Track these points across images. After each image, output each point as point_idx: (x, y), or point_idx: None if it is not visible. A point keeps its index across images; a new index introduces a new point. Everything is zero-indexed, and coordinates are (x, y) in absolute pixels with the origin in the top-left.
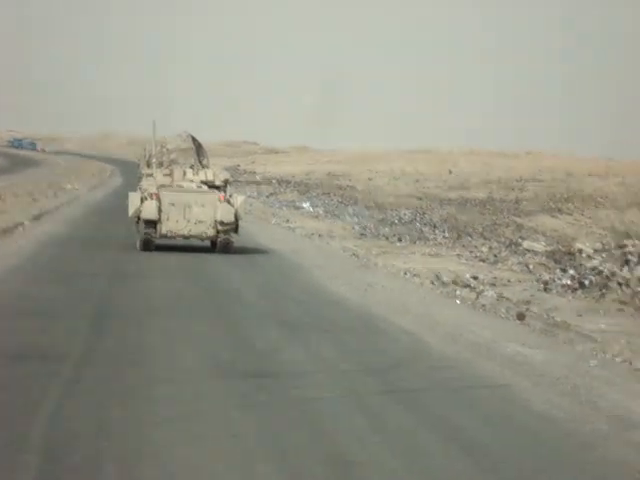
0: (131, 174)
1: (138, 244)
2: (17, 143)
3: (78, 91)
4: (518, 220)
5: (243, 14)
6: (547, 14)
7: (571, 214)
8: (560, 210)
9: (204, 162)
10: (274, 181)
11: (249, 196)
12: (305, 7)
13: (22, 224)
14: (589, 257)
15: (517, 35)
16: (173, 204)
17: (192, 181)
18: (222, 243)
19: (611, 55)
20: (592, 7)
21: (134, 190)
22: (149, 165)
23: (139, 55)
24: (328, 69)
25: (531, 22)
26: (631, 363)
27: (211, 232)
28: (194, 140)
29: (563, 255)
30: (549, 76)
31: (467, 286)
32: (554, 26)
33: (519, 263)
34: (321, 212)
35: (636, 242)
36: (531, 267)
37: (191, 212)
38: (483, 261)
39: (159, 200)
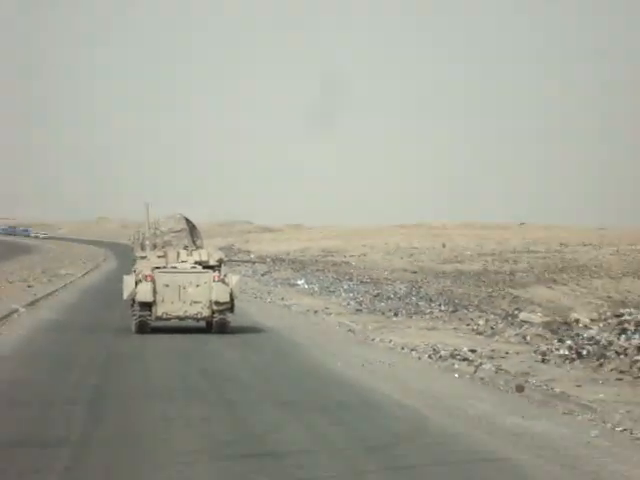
0: (125, 257)
1: (133, 327)
2: (10, 230)
3: (71, 177)
4: (514, 292)
5: (238, 93)
6: (539, 88)
7: (566, 284)
8: (555, 281)
9: (198, 243)
10: (269, 259)
11: (244, 275)
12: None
13: (17, 311)
14: (586, 327)
15: (505, 109)
16: (168, 285)
17: (186, 262)
18: (218, 323)
19: (601, 126)
20: (571, 84)
21: (128, 273)
22: (143, 248)
23: (130, 138)
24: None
25: (520, 95)
26: (632, 432)
27: (206, 312)
28: (187, 221)
29: (560, 325)
30: (540, 148)
31: (465, 359)
32: (544, 98)
33: (516, 335)
34: (316, 289)
35: (632, 311)
36: (528, 338)
37: (186, 293)
38: (480, 334)
39: (154, 282)
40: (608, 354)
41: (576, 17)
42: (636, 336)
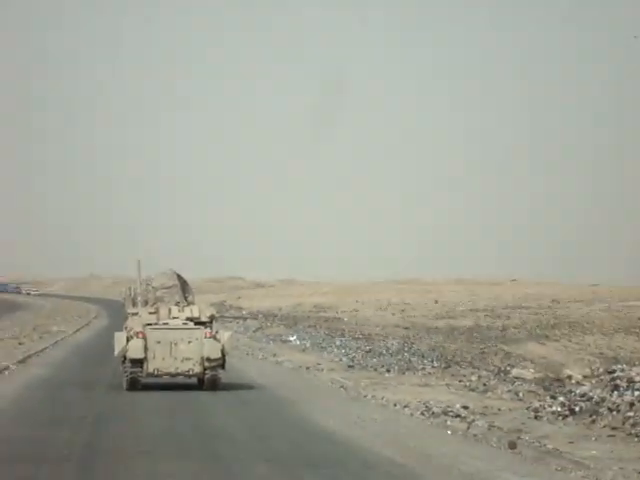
0: (116, 314)
1: (125, 384)
2: (1, 287)
3: (61, 235)
4: (506, 348)
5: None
6: (530, 134)
7: (558, 340)
8: (547, 337)
9: (189, 299)
10: (261, 315)
11: (236, 331)
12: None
13: (7, 368)
14: (578, 383)
15: (500, 161)
16: (159, 342)
17: (178, 318)
18: (209, 380)
19: (595, 184)
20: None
21: (119, 330)
22: (135, 304)
23: (119, 194)
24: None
25: (512, 145)
26: None
27: (198, 369)
28: (179, 277)
29: (552, 382)
30: (533, 204)
31: (458, 416)
32: (540, 153)
33: (509, 391)
34: (308, 345)
35: (624, 367)
36: (521, 395)
37: (177, 349)
38: (473, 390)
39: (145, 339)
40: (601, 410)
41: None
42: (628, 392)
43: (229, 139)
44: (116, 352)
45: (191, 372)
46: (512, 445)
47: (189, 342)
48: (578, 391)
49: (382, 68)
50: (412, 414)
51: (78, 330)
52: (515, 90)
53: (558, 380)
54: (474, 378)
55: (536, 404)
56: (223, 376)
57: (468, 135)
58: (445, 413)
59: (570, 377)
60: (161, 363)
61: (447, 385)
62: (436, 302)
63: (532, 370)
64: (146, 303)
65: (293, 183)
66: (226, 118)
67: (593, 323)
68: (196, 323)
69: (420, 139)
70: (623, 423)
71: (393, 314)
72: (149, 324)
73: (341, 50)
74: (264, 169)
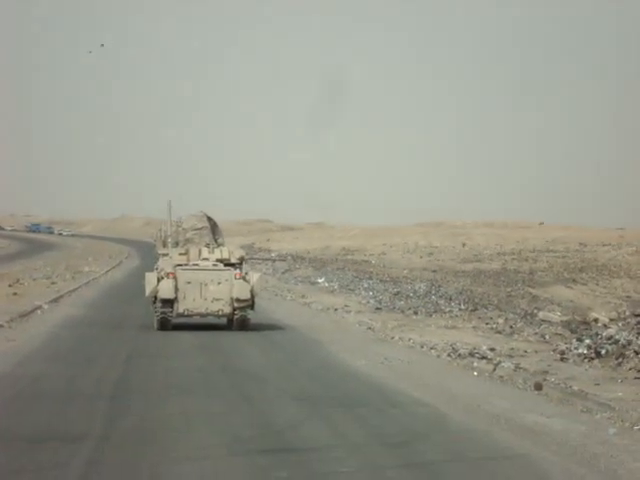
0: (147, 255)
1: (155, 324)
2: (34, 228)
3: (94, 174)
4: (533, 291)
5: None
6: (556, 84)
7: (586, 284)
8: (575, 280)
9: (219, 240)
10: (289, 258)
11: (264, 273)
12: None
13: (41, 307)
14: (605, 326)
15: (529, 109)
16: (189, 283)
17: (208, 259)
18: (239, 320)
19: (622, 125)
20: (588, 79)
21: (150, 271)
22: (165, 245)
23: (152, 135)
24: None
25: (544, 88)
26: None
27: (227, 309)
28: (209, 219)
29: (579, 325)
30: (561, 146)
31: (484, 358)
32: (561, 94)
33: (535, 334)
34: (336, 287)
35: None
36: (547, 337)
37: (207, 290)
38: (499, 333)
39: (175, 279)
40: (627, 353)
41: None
42: None
43: (258, 89)
44: (147, 292)
45: (221, 312)
46: (538, 386)
47: (219, 283)
48: (604, 334)
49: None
50: (439, 355)
51: (109, 270)
52: None
53: (585, 323)
54: (501, 321)
55: (562, 346)
56: (252, 317)
57: (499, 78)
58: (471, 355)
59: (597, 320)
60: (191, 303)
61: (474, 327)
62: (464, 245)
63: (559, 313)
64: (177, 244)
65: (323, 128)
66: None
67: (620, 266)
68: (226, 264)
69: (450, 80)
70: None
71: (421, 257)
72: (179, 265)
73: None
74: (295, 117)
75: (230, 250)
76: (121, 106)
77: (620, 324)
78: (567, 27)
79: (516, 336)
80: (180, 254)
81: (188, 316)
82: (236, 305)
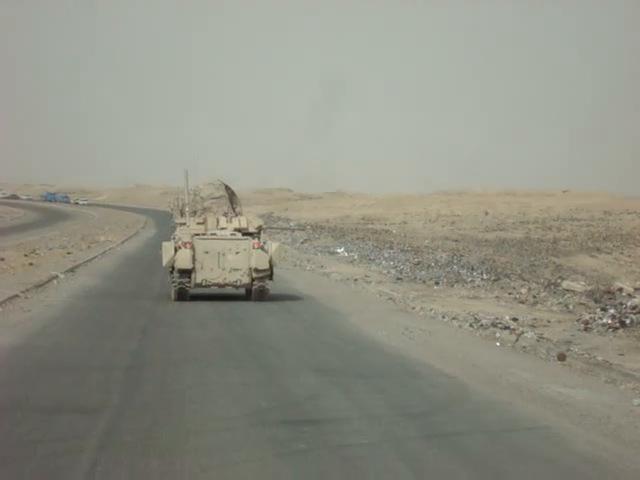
0: (164, 225)
1: (172, 294)
2: (50, 197)
3: (110, 144)
4: (556, 260)
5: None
6: (582, 55)
7: (610, 253)
8: (599, 249)
9: (237, 209)
10: (308, 227)
11: (283, 242)
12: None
13: (57, 277)
14: (630, 296)
15: (549, 77)
16: (207, 252)
17: (226, 229)
18: (257, 290)
19: None
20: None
21: (167, 240)
22: (182, 214)
23: (168, 106)
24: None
25: (562, 61)
26: None
27: (246, 280)
28: (227, 188)
29: (603, 294)
30: (583, 115)
31: (506, 328)
32: (585, 64)
33: (559, 304)
34: (356, 257)
35: None
36: (571, 307)
37: (225, 260)
38: (522, 303)
39: (193, 249)
40: None
41: None
42: None
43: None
44: (164, 262)
45: (239, 283)
46: (561, 357)
47: (237, 253)
48: (629, 303)
49: None
50: (460, 326)
51: (126, 240)
52: None
53: (609, 292)
54: (524, 290)
55: (586, 316)
56: (271, 287)
57: (515, 47)
58: (494, 325)
59: (621, 289)
60: (209, 273)
61: (496, 297)
62: (486, 214)
63: (583, 282)
64: (194, 213)
65: (340, 97)
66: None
67: None
68: (244, 234)
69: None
70: None
71: (442, 226)
72: (197, 234)
73: None
74: (312, 86)
75: (248, 219)
76: (139, 75)
77: None
78: None
79: (539, 306)
80: (198, 223)
81: (206, 286)
82: (254, 275)
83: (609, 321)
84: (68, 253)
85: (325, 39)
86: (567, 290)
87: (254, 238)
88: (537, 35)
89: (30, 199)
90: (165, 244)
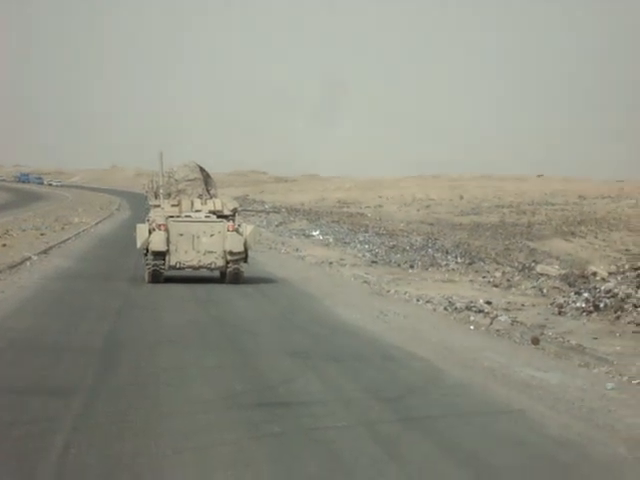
0: (139, 206)
1: (146, 276)
2: (24, 178)
3: (84, 125)
4: (531, 244)
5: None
6: (562, 37)
7: (584, 237)
8: (573, 233)
9: (212, 192)
10: (284, 210)
11: (258, 225)
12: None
13: (30, 259)
14: (603, 280)
15: (525, 57)
16: (181, 234)
17: (200, 211)
18: (232, 273)
19: (619, 76)
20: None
21: (141, 223)
22: (157, 196)
23: (143, 86)
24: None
25: (544, 44)
26: None
27: (220, 262)
28: (202, 170)
29: (577, 278)
30: (557, 99)
31: (481, 311)
32: (567, 49)
33: (533, 287)
34: (331, 240)
35: None
36: (545, 291)
37: (200, 242)
38: (496, 286)
39: (167, 231)
40: (625, 307)
41: None
42: None
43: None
44: (138, 244)
45: (213, 265)
46: (535, 341)
47: (211, 235)
48: (603, 287)
49: None
50: (435, 309)
51: (100, 222)
52: None
53: (583, 276)
54: (498, 274)
55: (560, 300)
56: (245, 270)
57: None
58: (468, 308)
59: (595, 274)
60: (183, 256)
61: (471, 281)
62: (461, 198)
63: (557, 266)
64: (169, 196)
65: (320, 77)
66: None
67: (620, 219)
68: (219, 216)
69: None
70: None
71: (418, 210)
72: (171, 216)
73: None
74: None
75: (223, 202)
76: (114, 56)
77: (619, 277)
78: None
79: (513, 290)
80: (172, 205)
81: (180, 269)
82: (229, 258)
83: (583, 305)
84: (41, 234)
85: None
86: (541, 274)
87: (229, 221)
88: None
89: (3, 180)
90: (139, 226)
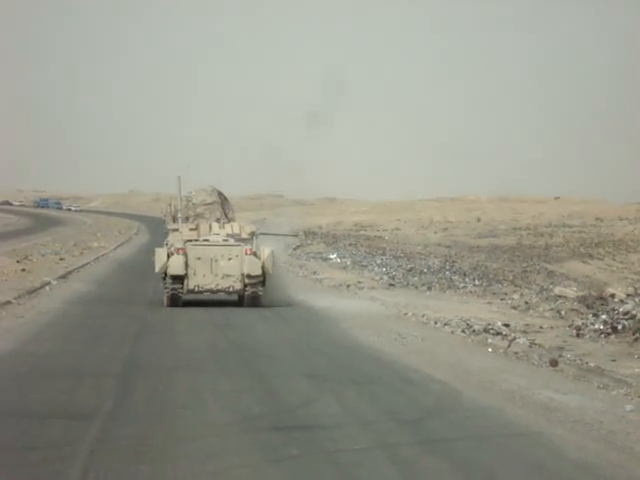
0: (157, 230)
1: (165, 300)
2: (43, 203)
3: (102, 150)
4: (549, 266)
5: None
6: (570, 60)
7: (602, 259)
8: (591, 255)
9: (230, 215)
10: (301, 233)
11: (276, 249)
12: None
13: (49, 283)
14: (622, 301)
15: (543, 78)
16: (200, 258)
17: (218, 235)
18: (250, 296)
19: (635, 99)
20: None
21: (160, 247)
22: (175, 220)
23: (160, 110)
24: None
25: (562, 67)
26: None
27: (238, 286)
28: (219, 194)
29: (595, 300)
30: (574, 121)
31: (499, 334)
32: (584, 71)
33: (551, 309)
34: (349, 263)
35: None
36: (563, 313)
37: (218, 266)
38: (514, 308)
39: (186, 255)
40: None
41: None
42: None
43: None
44: (157, 268)
45: (231, 289)
46: (553, 363)
47: (229, 259)
48: (621, 309)
49: None
50: (453, 332)
51: (119, 246)
52: None
53: (601, 298)
54: (516, 296)
55: (578, 322)
56: (263, 293)
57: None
58: (486, 331)
59: (613, 295)
60: (202, 280)
61: (488, 303)
62: (479, 220)
63: (575, 288)
64: (187, 219)
65: (339, 99)
66: None
67: (638, 241)
68: (237, 240)
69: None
70: None
71: (435, 233)
72: (190, 240)
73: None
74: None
75: (241, 225)
76: (132, 81)
77: (637, 299)
78: None
79: (531, 312)
80: (190, 229)
81: (198, 292)
82: (247, 281)
83: (601, 327)
84: (61, 259)
85: (325, 39)
86: (559, 296)
87: (246, 244)
88: (537, 45)
89: (23, 205)
90: (158, 250)
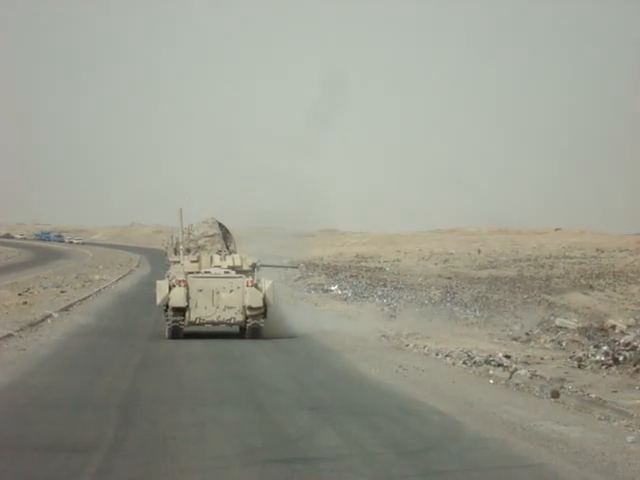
0: (158, 263)
1: (167, 332)
2: (44, 236)
3: (103, 183)
4: (549, 298)
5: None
6: (576, 87)
7: (603, 290)
8: (591, 287)
9: (231, 247)
10: (302, 265)
11: (277, 280)
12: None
13: (51, 316)
14: (622, 333)
15: (541, 108)
16: (201, 290)
17: (220, 267)
18: (251, 328)
19: (636, 129)
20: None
21: (161, 279)
22: (176, 252)
23: (159, 142)
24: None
25: (560, 96)
26: None
27: (240, 318)
28: (221, 226)
29: (596, 331)
30: (574, 152)
31: (500, 365)
32: (585, 100)
33: (552, 341)
34: (350, 294)
35: None
36: (564, 344)
37: (219, 298)
38: (515, 340)
39: (187, 287)
40: None
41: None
42: None
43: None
44: (158, 301)
45: (233, 321)
46: (555, 394)
47: (231, 291)
48: (622, 340)
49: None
50: (454, 363)
51: (120, 278)
52: None
53: (602, 329)
54: (517, 328)
55: (579, 353)
56: (265, 325)
57: (510, 79)
58: (487, 362)
59: (614, 327)
60: (203, 312)
61: (489, 334)
62: (479, 252)
63: (575, 320)
64: (188, 252)
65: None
66: None
67: (638, 272)
68: (238, 272)
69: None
70: None
71: (435, 264)
72: (191, 272)
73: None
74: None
75: (242, 257)
76: (132, 111)
77: (638, 331)
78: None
79: (532, 343)
80: (192, 261)
81: (200, 324)
82: (248, 313)
83: (602, 358)
84: (62, 292)
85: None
86: (560, 327)
87: (248, 276)
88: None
89: (24, 238)
90: (159, 282)
